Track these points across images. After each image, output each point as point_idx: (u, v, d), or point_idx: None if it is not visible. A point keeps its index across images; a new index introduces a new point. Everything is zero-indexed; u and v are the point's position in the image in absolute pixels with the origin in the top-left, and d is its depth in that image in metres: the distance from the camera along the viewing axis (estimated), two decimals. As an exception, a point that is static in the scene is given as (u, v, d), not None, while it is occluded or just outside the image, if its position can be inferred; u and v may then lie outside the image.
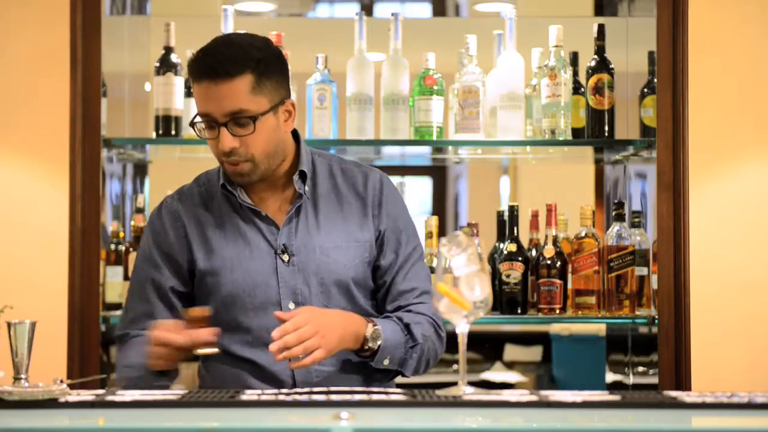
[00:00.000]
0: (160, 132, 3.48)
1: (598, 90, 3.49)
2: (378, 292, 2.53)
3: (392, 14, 3.45)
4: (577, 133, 3.50)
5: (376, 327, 2.39)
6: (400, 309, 2.48)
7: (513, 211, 3.51)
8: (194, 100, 2.40)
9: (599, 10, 4.17)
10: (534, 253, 3.53)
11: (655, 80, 3.42)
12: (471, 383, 2.10)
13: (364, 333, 2.38)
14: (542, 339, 5.61)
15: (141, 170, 3.92)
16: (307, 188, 2.48)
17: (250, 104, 2.35)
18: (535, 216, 3.58)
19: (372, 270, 2.51)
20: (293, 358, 2.27)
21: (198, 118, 2.39)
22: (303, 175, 2.47)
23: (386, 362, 2.42)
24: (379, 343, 2.39)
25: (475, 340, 3.10)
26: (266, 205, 2.48)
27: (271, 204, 2.49)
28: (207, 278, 2.47)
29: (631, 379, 3.75)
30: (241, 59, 2.35)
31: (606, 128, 3.49)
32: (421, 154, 4.04)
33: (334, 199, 2.51)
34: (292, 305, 2.42)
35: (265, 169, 2.43)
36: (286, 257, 2.44)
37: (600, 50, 3.52)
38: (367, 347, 2.39)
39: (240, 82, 2.34)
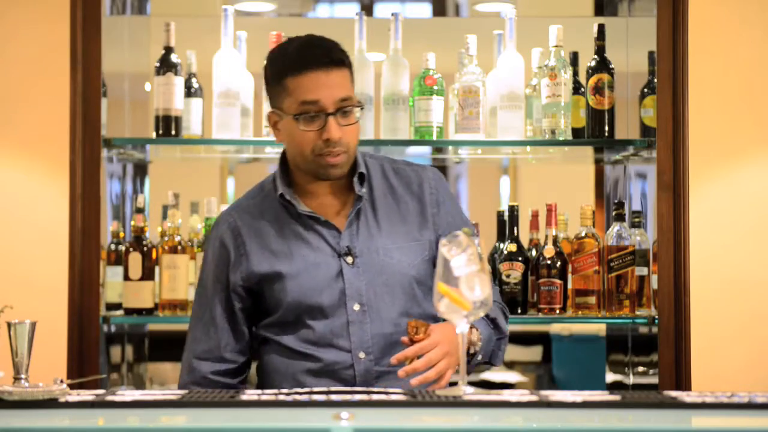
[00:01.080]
0: (160, 132, 3.48)
1: (598, 90, 3.48)
2: None
3: (392, 14, 3.44)
4: (577, 133, 3.50)
5: (477, 331, 2.45)
6: None
7: (513, 211, 3.50)
8: (288, 93, 2.41)
9: (599, 10, 4.16)
10: (534, 253, 3.53)
11: (655, 80, 3.42)
12: (471, 383, 2.11)
13: (471, 338, 2.44)
14: (542, 339, 5.62)
15: (141, 170, 3.92)
16: (364, 190, 2.51)
17: (352, 93, 2.43)
18: (535, 216, 3.58)
19: None
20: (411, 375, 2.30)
21: (298, 109, 2.40)
22: (361, 177, 2.51)
23: (479, 357, 2.48)
24: (480, 345, 2.45)
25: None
26: (325, 210, 2.51)
27: (330, 209, 2.52)
28: (271, 286, 2.49)
29: (631, 379, 3.75)
30: (343, 52, 2.45)
31: (606, 128, 3.48)
32: (421, 154, 4.04)
33: (391, 200, 2.54)
34: (357, 306, 2.46)
35: (350, 162, 2.48)
36: (350, 259, 2.47)
37: (600, 50, 3.51)
38: (472, 351, 2.45)
39: (347, 71, 2.44)
